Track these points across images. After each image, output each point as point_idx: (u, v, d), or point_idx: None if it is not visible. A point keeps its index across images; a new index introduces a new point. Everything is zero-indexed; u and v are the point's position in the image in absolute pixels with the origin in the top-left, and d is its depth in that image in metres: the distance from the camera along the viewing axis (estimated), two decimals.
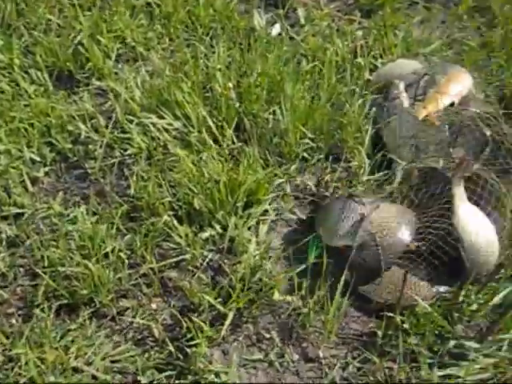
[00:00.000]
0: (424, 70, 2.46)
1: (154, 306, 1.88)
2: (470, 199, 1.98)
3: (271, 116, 2.22)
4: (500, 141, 2.19)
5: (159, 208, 2.02)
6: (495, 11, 2.89)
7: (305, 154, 2.22)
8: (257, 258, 1.93)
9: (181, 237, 1.97)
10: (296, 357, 1.79)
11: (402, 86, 2.39)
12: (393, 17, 2.80)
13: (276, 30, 2.68)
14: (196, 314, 1.81)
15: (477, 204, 1.99)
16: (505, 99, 2.56)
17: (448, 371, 1.72)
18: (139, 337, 1.82)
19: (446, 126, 2.30)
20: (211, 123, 2.22)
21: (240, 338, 1.82)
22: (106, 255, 1.90)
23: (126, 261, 1.91)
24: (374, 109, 2.32)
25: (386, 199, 2.04)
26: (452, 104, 2.38)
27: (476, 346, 1.76)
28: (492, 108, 2.36)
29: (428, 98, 2.36)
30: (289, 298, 1.87)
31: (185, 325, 1.77)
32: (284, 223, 2.11)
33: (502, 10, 2.86)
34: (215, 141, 2.23)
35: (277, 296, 1.86)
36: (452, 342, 1.77)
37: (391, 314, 1.77)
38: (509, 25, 2.80)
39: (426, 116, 2.32)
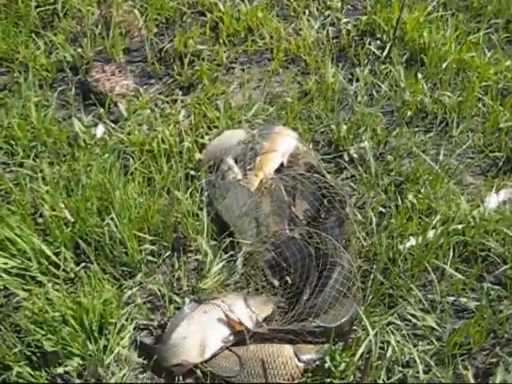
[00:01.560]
0: (249, 137, 2.52)
1: None
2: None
3: (106, 228, 2.18)
4: (330, 193, 2.29)
5: (9, 360, 1.92)
6: (306, 59, 3.03)
7: (149, 258, 2.20)
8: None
9: None
10: None
11: (230, 160, 2.44)
12: (212, 88, 2.86)
13: (100, 130, 2.65)
14: None
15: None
16: (332, 143, 2.69)
17: None
18: None
19: (282, 188, 2.37)
20: (49, 252, 2.16)
21: None
22: None
23: None
24: (207, 191, 2.35)
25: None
26: (282, 164, 2.47)
27: None
28: (316, 159, 2.47)
29: (257, 166, 2.43)
30: None
31: None
32: (146, 333, 2.08)
33: (310, 56, 3.01)
34: (57, 266, 2.16)
35: None
36: None
37: None
38: (320, 69, 2.95)
39: (260, 183, 2.38)
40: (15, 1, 3.19)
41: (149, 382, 1.95)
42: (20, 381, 1.89)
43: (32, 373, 1.90)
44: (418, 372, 1.92)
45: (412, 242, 2.25)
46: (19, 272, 2.15)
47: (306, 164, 2.46)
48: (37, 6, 3.15)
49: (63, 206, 2.26)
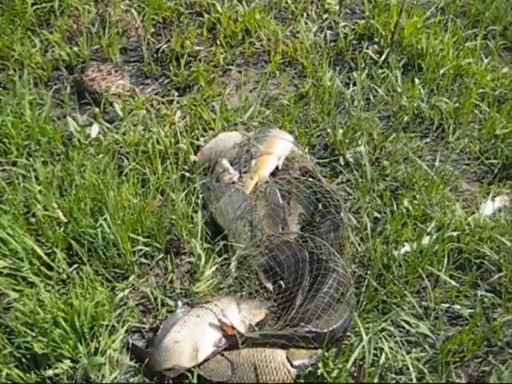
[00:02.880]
0: (245, 139, 2.51)
1: None
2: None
3: (99, 229, 2.16)
4: (325, 198, 2.28)
5: None
6: (303, 62, 3.02)
7: (142, 259, 2.18)
8: None
9: None
10: None
11: (225, 163, 2.42)
12: (208, 89, 2.85)
13: (95, 130, 2.62)
14: None
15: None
16: (328, 146, 2.68)
17: None
18: None
19: (277, 192, 2.36)
20: (41, 252, 2.13)
21: None
22: None
23: None
24: (201, 193, 2.33)
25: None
26: (277, 167, 2.45)
27: None
28: (311, 163, 2.45)
29: (252, 169, 2.41)
30: None
31: None
32: (138, 335, 2.06)
33: (307, 59, 3.00)
34: (49, 267, 2.14)
35: None
36: None
37: None
38: (317, 73, 2.94)
39: (255, 186, 2.37)
40: None
41: None
42: (9, 383, 1.87)
43: (22, 375, 1.87)
44: (411, 379, 1.91)
45: (407, 248, 2.24)
46: (10, 272, 2.13)
47: (302, 168, 2.45)
48: (33, 4, 3.14)
49: (56, 206, 2.25)
